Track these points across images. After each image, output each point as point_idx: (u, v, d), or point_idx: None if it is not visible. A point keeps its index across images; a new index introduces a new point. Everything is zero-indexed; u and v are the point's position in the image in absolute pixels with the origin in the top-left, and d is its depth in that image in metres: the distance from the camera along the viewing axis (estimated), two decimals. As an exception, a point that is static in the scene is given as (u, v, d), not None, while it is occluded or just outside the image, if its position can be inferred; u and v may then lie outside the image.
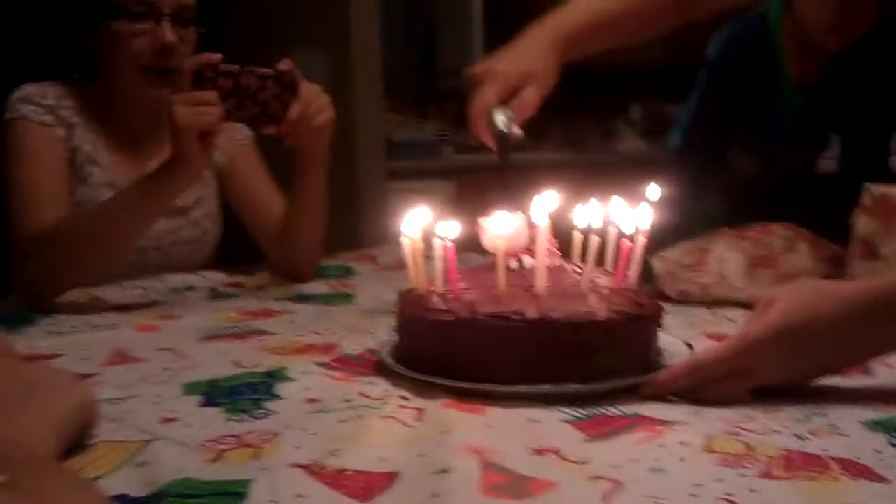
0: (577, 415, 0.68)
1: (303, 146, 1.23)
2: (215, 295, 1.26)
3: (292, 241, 1.35)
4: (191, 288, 1.29)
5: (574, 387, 0.72)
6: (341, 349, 0.91)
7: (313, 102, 1.17)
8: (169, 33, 1.28)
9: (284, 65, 1.12)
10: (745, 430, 0.64)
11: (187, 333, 1.00)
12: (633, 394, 0.72)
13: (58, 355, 0.91)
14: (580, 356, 0.73)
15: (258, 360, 0.87)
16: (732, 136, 1.54)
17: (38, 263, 1.17)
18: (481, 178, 3.40)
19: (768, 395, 0.69)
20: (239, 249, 1.68)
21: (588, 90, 5.08)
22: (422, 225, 0.81)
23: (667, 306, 1.07)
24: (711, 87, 1.59)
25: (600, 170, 4.34)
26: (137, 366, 0.86)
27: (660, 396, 0.71)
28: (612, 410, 0.69)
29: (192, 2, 1.32)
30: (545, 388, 0.72)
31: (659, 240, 1.11)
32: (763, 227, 1.17)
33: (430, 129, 3.90)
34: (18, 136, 1.29)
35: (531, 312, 0.73)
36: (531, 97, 1.12)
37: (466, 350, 0.75)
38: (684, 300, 1.10)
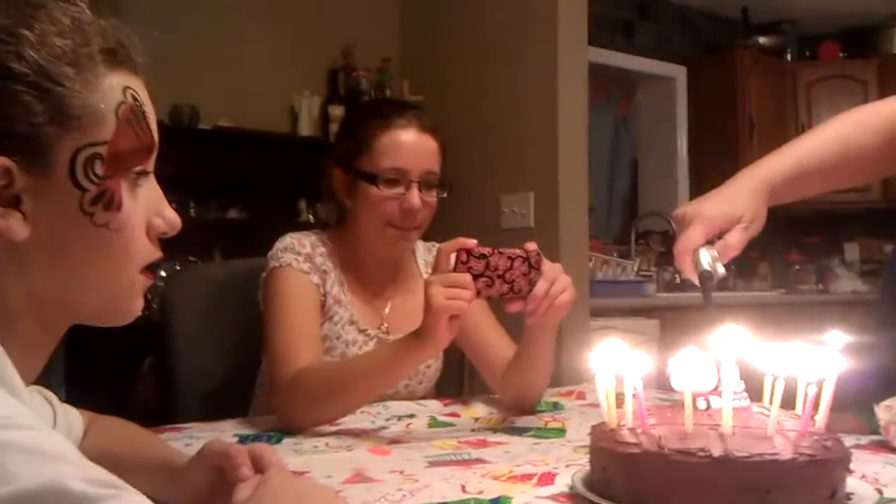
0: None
1: (540, 320, 1.26)
2: (434, 423, 1.36)
3: (519, 387, 1.41)
4: (412, 415, 1.40)
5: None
6: (558, 480, 0.96)
7: (557, 281, 1.22)
8: (415, 198, 1.43)
9: (531, 245, 1.21)
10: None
11: (415, 458, 1.09)
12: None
13: (305, 472, 1.02)
14: (763, 495, 0.75)
15: (481, 486, 0.94)
16: None
17: (292, 401, 1.29)
18: (685, 315, 3.37)
19: None
20: (453, 382, 1.79)
21: (801, 229, 4.95)
22: (614, 361, 0.86)
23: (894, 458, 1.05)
24: None
25: (813, 309, 4.17)
26: (375, 485, 0.95)
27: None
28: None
29: (437, 169, 1.47)
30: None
31: (871, 387, 1.09)
32: None
33: (633, 267, 3.93)
34: (282, 283, 1.44)
35: (716, 450, 0.76)
36: (736, 239, 1.16)
37: (654, 483, 0.79)
38: (911, 451, 1.06)
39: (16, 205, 0.63)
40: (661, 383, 0.98)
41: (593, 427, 0.90)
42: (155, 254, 0.73)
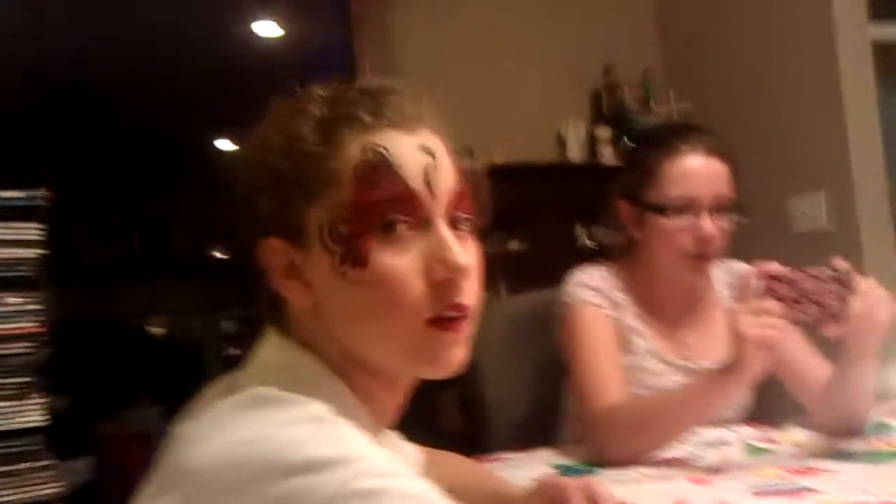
0: None
1: (858, 341, 1.20)
2: (752, 450, 1.33)
3: (841, 410, 1.33)
4: (725, 443, 1.37)
5: None
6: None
7: (872, 298, 1.15)
8: (708, 225, 1.40)
9: (841, 263, 1.15)
10: None
11: (737, 488, 1.08)
12: None
13: None
14: None
15: (819, 519, 0.91)
16: None
17: (606, 436, 1.32)
18: None
19: None
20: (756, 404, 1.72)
21: None
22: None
23: None
24: None
25: None
26: (702, 518, 0.96)
27: None
28: None
29: (728, 192, 1.43)
30: None
31: None
32: None
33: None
34: (579, 319, 1.48)
35: None
36: None
37: None
38: None
39: (296, 276, 0.72)
40: None
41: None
42: (438, 303, 0.70)
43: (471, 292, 0.73)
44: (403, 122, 0.72)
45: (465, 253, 0.71)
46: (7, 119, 4.93)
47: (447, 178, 0.73)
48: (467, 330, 0.73)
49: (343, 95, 0.74)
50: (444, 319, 0.71)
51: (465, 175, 0.76)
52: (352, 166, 0.69)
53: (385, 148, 0.70)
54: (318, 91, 0.75)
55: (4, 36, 4.10)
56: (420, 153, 0.72)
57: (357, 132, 0.71)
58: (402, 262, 0.69)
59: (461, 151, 0.78)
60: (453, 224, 0.73)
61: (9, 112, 4.89)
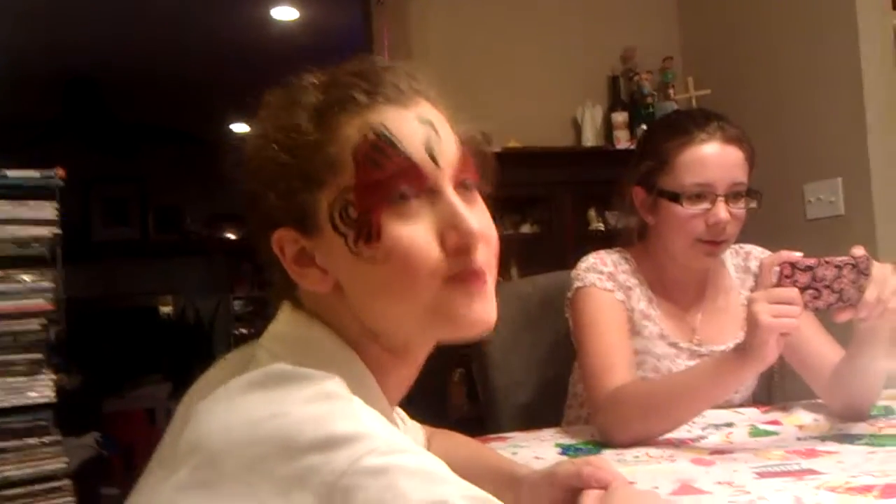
0: None
1: (870, 327, 1.20)
2: (755, 432, 1.32)
3: (851, 394, 1.33)
4: (730, 424, 1.37)
5: None
6: (904, 493, 0.90)
7: (887, 284, 1.15)
8: (722, 211, 1.39)
9: (859, 250, 1.15)
10: None
11: (741, 469, 1.07)
12: None
13: (630, 483, 1.04)
14: None
15: (818, 499, 0.91)
16: None
17: (612, 419, 1.31)
18: None
19: None
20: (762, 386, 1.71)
21: None
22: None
23: None
24: None
25: None
26: (703, 497, 0.96)
27: None
28: None
29: (744, 179, 1.42)
30: None
31: None
32: None
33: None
34: (588, 303, 1.48)
35: None
36: None
37: None
38: None
39: (310, 263, 0.73)
40: None
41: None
42: (455, 266, 0.70)
43: (485, 254, 0.72)
44: (400, 97, 0.72)
45: (477, 217, 0.72)
46: (28, 104, 5.00)
47: (449, 146, 0.73)
48: (488, 288, 0.73)
49: (336, 80, 0.73)
50: (462, 277, 0.71)
51: (467, 142, 0.75)
52: (351, 149, 0.69)
53: (383, 125, 0.70)
54: (312, 78, 0.75)
55: (28, 25, 4.19)
56: (419, 125, 0.72)
57: (353, 114, 0.71)
58: (414, 230, 0.69)
59: (460, 120, 0.77)
60: (461, 190, 0.73)
61: (30, 97, 4.96)
